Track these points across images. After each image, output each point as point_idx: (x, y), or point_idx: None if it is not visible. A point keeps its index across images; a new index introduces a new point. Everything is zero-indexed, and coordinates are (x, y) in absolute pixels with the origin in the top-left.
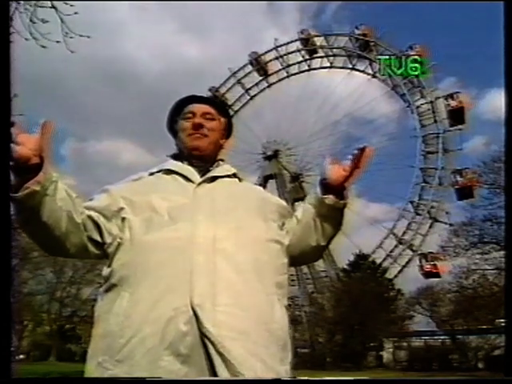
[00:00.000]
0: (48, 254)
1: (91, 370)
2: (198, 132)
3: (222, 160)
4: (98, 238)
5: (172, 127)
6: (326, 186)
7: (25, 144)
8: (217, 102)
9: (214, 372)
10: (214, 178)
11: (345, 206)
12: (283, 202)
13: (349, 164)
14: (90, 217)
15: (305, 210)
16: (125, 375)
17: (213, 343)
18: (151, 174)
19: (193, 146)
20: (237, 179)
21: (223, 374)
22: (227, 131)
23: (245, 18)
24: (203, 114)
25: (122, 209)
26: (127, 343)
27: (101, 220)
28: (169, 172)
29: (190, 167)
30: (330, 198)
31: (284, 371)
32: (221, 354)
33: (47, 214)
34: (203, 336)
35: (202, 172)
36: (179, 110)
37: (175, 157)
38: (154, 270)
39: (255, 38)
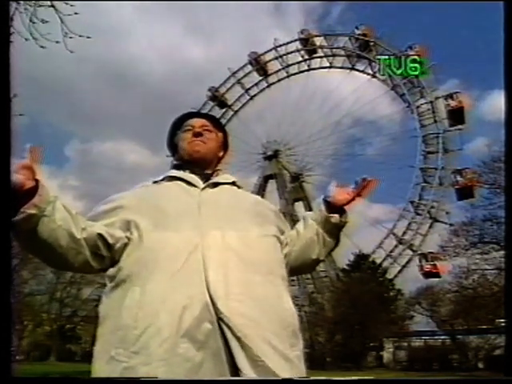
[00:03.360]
0: (54, 269)
1: (102, 366)
2: (198, 139)
3: (220, 170)
4: (103, 252)
5: (172, 142)
6: (329, 205)
7: (16, 171)
8: (213, 117)
9: (230, 357)
10: (216, 185)
11: (345, 225)
12: (278, 210)
13: (353, 190)
14: (93, 231)
15: (308, 225)
16: (141, 365)
17: (230, 328)
18: (155, 182)
19: (193, 150)
20: (236, 187)
21: (240, 357)
22: (224, 145)
23: (250, 21)
24: (202, 126)
25: (127, 213)
26: (142, 334)
27: (105, 229)
28: (172, 178)
29: (192, 174)
30: (335, 217)
31: (295, 357)
32: (238, 339)
33: (46, 234)
34: (220, 321)
35: (204, 179)
36: (179, 124)
37: (176, 167)
38: (166, 263)
39: (260, 41)
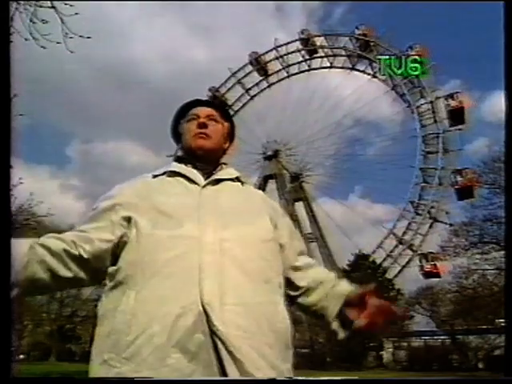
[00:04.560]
0: None
1: (96, 368)
2: (203, 132)
3: (224, 164)
4: (107, 262)
5: (176, 130)
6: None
7: None
8: (220, 106)
9: (222, 369)
10: (218, 181)
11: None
12: (281, 209)
13: (379, 319)
14: (89, 249)
15: (319, 295)
16: (132, 373)
17: (223, 341)
18: (155, 176)
19: (197, 146)
20: (240, 183)
21: (232, 371)
22: (230, 136)
23: (253, 22)
24: (207, 116)
25: (127, 211)
26: (135, 340)
27: (102, 238)
28: (173, 174)
29: (193, 170)
30: (340, 333)
31: (286, 370)
32: (230, 352)
33: (42, 291)
34: (212, 334)
35: (206, 175)
36: (184, 113)
37: (178, 160)
38: (162, 268)
39: (263, 42)
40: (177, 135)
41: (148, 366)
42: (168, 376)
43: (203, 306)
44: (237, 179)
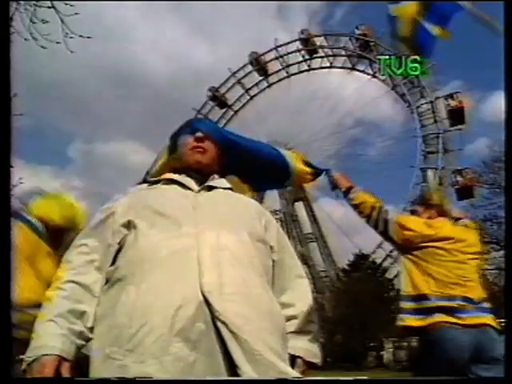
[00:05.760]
0: None
1: (98, 364)
2: (200, 146)
3: (217, 175)
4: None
5: (174, 142)
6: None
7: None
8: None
9: (225, 355)
10: (211, 188)
11: None
12: (273, 220)
13: None
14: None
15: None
16: (135, 364)
17: (226, 325)
18: (150, 185)
19: (194, 160)
20: (231, 191)
21: (237, 353)
22: None
23: (254, 23)
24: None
25: (124, 216)
26: (137, 332)
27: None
28: (168, 182)
29: (187, 178)
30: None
31: (286, 358)
32: (234, 334)
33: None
34: (215, 319)
35: (199, 183)
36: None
37: (173, 170)
38: (161, 262)
39: (264, 43)
40: (174, 146)
41: (151, 355)
42: (171, 365)
43: (204, 295)
44: (229, 189)
